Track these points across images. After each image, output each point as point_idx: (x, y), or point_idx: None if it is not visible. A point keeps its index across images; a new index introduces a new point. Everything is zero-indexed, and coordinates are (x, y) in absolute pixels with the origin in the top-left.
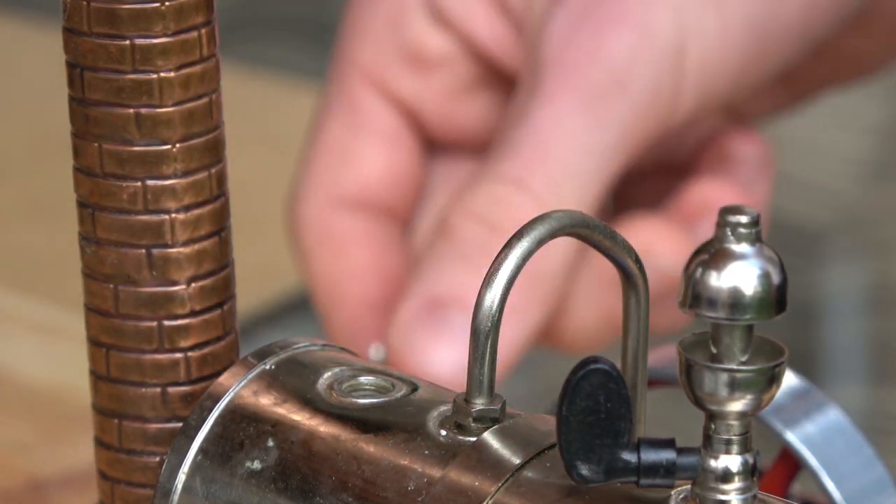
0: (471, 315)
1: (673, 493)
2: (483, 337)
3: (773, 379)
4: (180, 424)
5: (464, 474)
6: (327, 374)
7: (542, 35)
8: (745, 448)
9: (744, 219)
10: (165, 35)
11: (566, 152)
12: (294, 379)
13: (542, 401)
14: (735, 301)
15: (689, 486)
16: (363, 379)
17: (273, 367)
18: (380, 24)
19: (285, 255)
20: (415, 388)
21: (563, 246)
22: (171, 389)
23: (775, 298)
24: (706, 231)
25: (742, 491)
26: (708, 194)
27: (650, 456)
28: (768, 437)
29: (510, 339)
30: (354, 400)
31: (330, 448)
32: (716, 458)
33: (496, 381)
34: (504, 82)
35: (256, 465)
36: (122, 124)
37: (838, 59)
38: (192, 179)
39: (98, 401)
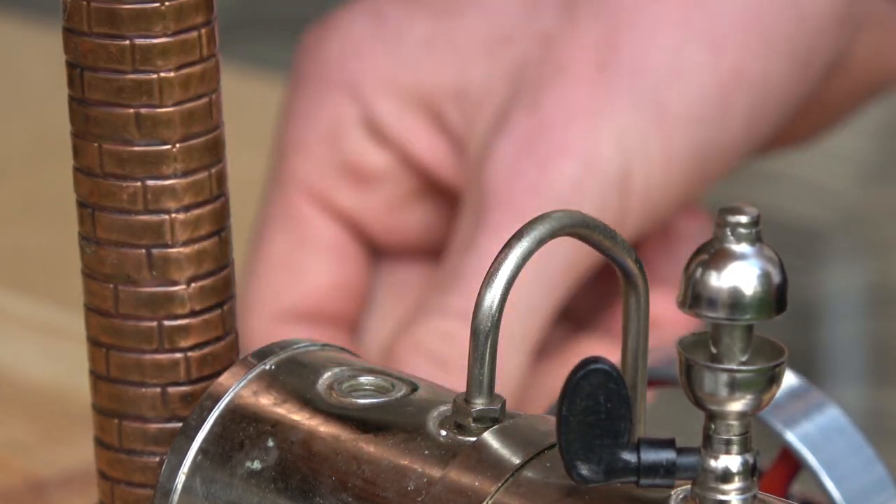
0: None
1: (673, 493)
2: (483, 337)
3: (773, 379)
4: (180, 424)
5: (464, 474)
6: (327, 374)
7: (488, 164)
8: (745, 448)
9: (744, 219)
10: (165, 35)
11: None
12: (294, 379)
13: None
14: (735, 301)
15: (689, 486)
16: (363, 379)
17: (273, 367)
18: (319, 140)
19: None
20: (415, 388)
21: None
22: (171, 389)
23: (775, 298)
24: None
25: (742, 491)
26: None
27: (650, 456)
28: (768, 437)
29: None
30: (354, 400)
31: (330, 448)
32: (716, 458)
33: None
34: (444, 193)
35: (256, 465)
36: (122, 124)
37: (793, 134)
38: (192, 179)
39: (98, 401)
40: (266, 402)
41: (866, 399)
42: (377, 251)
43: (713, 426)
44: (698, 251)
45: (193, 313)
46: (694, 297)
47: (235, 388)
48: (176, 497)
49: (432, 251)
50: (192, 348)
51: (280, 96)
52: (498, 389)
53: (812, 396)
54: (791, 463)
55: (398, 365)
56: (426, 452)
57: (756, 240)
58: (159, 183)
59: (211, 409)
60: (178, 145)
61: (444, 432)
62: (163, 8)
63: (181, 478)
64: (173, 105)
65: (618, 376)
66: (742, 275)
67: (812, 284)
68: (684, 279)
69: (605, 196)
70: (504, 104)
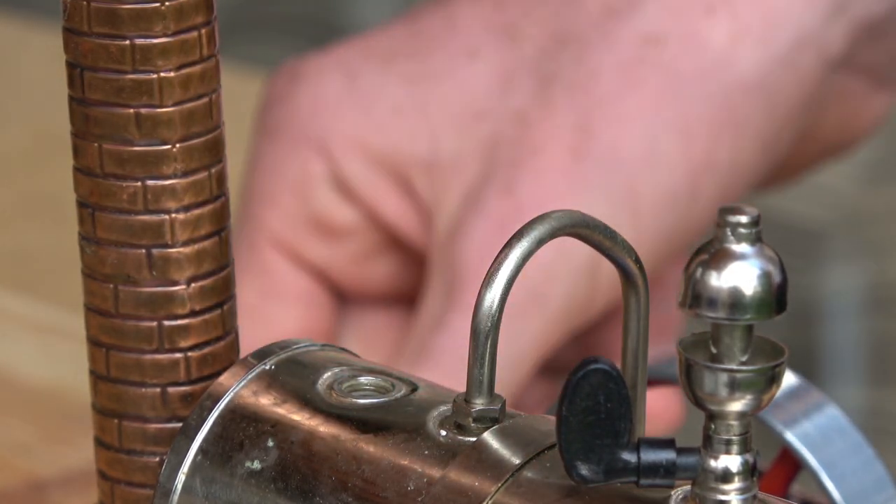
0: None
1: (673, 493)
2: (483, 337)
3: (773, 379)
4: (180, 424)
5: (464, 474)
6: (327, 375)
7: (460, 241)
8: (744, 448)
9: (744, 219)
10: (165, 35)
11: None
12: (294, 379)
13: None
14: (735, 301)
15: (689, 486)
16: (363, 379)
17: (273, 367)
18: (287, 193)
19: None
20: (414, 389)
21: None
22: (171, 389)
23: (775, 298)
24: None
25: (742, 491)
26: None
27: (650, 456)
28: (768, 437)
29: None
30: (354, 400)
31: (330, 448)
32: (716, 458)
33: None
34: (409, 247)
35: (256, 465)
36: (122, 124)
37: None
38: (192, 179)
39: (98, 401)
40: (266, 402)
41: (866, 399)
42: (344, 298)
43: (713, 426)
44: (698, 251)
45: (193, 313)
46: (694, 297)
47: (235, 388)
48: (176, 497)
49: (399, 298)
50: (192, 348)
51: None
52: None
53: (812, 396)
54: (791, 463)
55: None
56: (426, 452)
57: (756, 240)
58: (159, 183)
59: (211, 409)
60: (178, 145)
61: (444, 432)
62: (163, 8)
63: (181, 478)
64: (173, 105)
65: (618, 376)
66: (742, 275)
67: (812, 284)
68: (684, 279)
69: (576, 280)
70: (476, 180)
